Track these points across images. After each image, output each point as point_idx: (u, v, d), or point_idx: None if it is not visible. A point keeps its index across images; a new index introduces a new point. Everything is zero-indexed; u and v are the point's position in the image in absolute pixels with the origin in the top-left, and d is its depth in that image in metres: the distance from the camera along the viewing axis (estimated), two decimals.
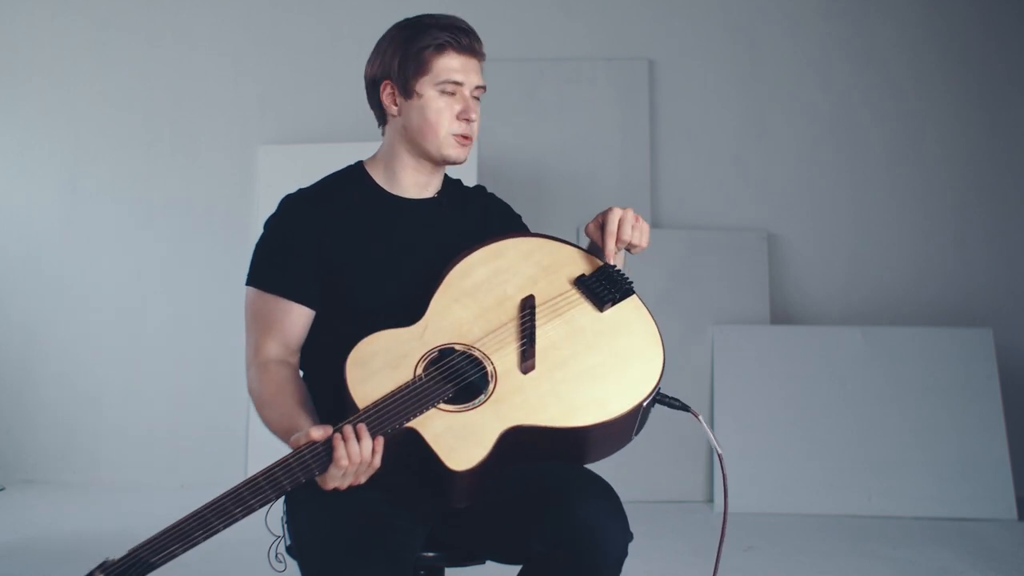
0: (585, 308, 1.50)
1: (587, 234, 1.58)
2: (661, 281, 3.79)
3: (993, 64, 4.06)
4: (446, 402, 1.33)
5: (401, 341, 1.40)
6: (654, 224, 4.00)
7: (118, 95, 4.10)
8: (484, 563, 1.54)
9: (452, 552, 1.51)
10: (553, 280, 1.53)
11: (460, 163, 1.59)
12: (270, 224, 1.59)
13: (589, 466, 1.47)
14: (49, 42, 4.11)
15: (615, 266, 1.54)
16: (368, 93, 1.62)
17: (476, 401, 1.35)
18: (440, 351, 1.40)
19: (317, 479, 1.27)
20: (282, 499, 1.56)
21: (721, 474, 1.47)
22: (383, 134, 1.64)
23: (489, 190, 1.78)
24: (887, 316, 3.97)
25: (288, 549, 1.52)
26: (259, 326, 1.52)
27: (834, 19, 4.10)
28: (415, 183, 1.62)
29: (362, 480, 1.29)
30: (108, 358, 4.01)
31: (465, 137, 1.56)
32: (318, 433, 1.25)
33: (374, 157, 1.66)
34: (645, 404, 1.42)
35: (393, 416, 1.29)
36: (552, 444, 1.38)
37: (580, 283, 1.53)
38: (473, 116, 1.55)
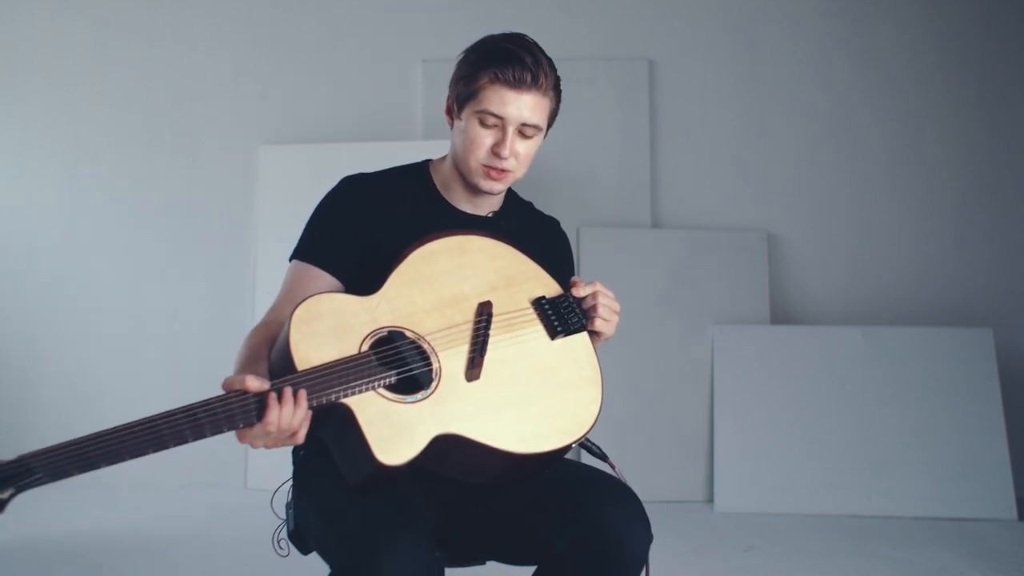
0: (538, 331, 1.47)
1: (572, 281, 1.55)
2: (661, 281, 3.77)
3: (993, 64, 4.06)
4: (385, 388, 1.28)
5: (351, 310, 1.34)
6: (654, 224, 4.01)
7: (118, 95, 4.10)
8: (484, 563, 1.54)
9: (452, 552, 1.50)
10: (512, 293, 1.49)
11: (493, 194, 1.59)
12: (323, 200, 1.58)
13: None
14: (49, 42, 4.11)
15: (576, 299, 1.53)
16: None
17: (416, 396, 1.30)
18: (390, 332, 1.35)
19: (237, 432, 1.19)
20: (289, 484, 1.56)
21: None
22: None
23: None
24: (887, 316, 3.97)
25: (290, 535, 1.52)
26: (284, 291, 1.51)
27: (834, 19, 4.10)
28: (466, 199, 1.61)
29: (277, 446, 1.22)
30: (108, 358, 4.01)
31: (496, 170, 1.53)
32: (254, 384, 1.17)
33: (440, 160, 1.65)
34: (573, 445, 1.41)
35: (330, 387, 1.23)
36: (478, 459, 1.35)
37: (538, 305, 1.50)
38: (505, 152, 1.50)
